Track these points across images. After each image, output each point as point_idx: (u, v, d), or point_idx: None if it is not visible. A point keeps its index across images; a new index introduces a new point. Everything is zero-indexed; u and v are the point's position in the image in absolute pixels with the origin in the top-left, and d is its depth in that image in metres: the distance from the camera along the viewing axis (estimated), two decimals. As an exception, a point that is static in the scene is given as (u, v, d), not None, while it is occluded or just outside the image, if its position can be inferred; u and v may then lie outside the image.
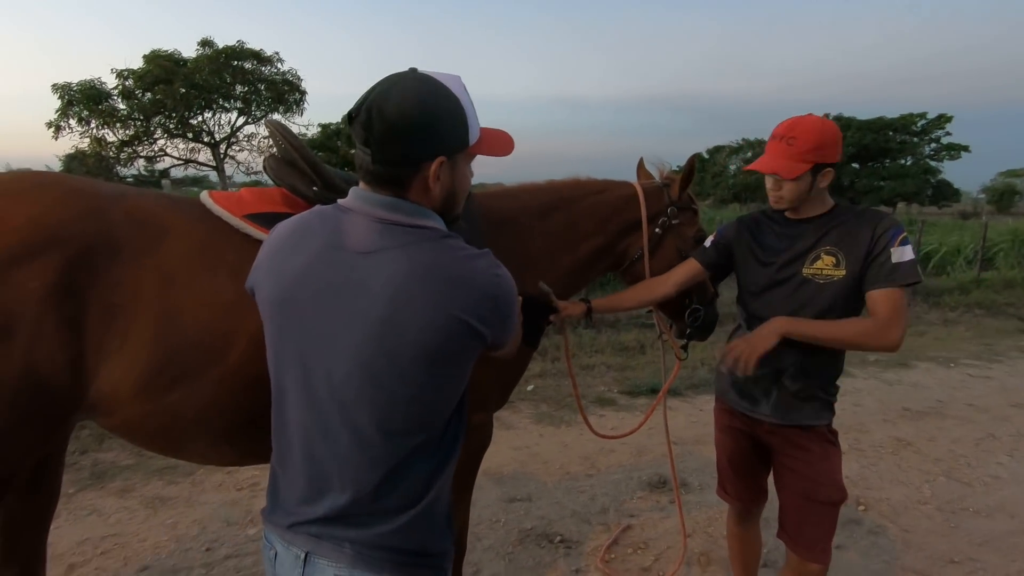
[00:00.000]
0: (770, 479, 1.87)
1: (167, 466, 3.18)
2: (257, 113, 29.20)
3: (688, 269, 1.87)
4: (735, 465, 1.91)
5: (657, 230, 1.95)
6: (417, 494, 0.92)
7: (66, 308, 1.11)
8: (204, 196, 1.42)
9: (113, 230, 1.19)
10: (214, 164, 30.16)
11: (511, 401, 4.35)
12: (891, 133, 38.86)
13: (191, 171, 31.82)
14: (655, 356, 5.19)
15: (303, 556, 0.91)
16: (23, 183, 1.18)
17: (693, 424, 4.03)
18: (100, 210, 1.19)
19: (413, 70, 0.90)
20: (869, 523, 2.81)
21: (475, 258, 0.90)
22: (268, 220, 1.34)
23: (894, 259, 1.51)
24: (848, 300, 1.58)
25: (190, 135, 28.74)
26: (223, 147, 29.99)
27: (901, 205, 39.38)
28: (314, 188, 1.41)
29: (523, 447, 3.60)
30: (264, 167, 1.52)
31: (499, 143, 0.98)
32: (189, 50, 27.61)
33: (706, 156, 42.17)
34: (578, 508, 2.90)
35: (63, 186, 1.19)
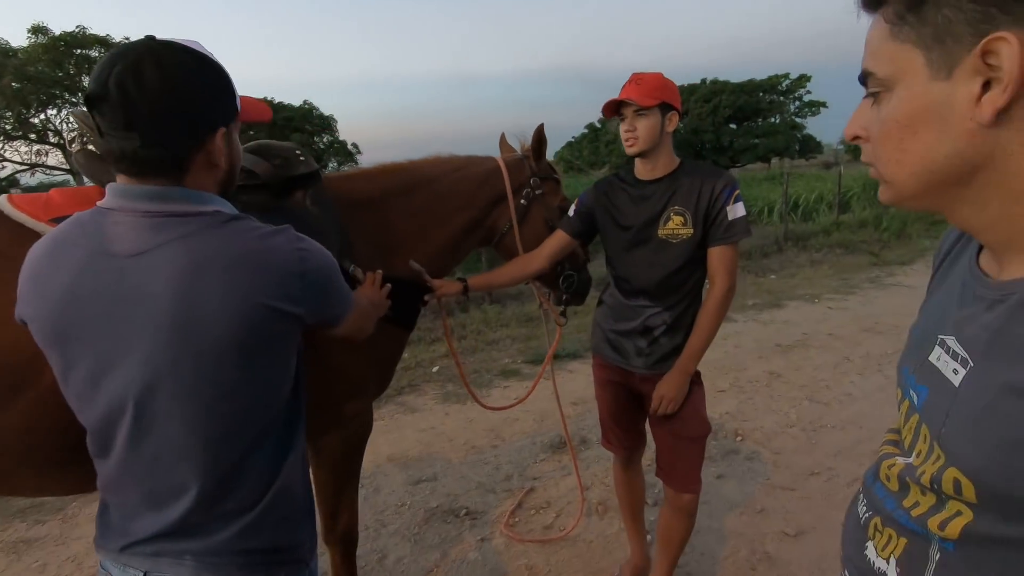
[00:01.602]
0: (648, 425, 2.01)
1: (31, 505, 2.87)
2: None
3: (557, 241, 1.93)
4: (615, 415, 2.02)
5: (523, 201, 1.98)
6: (258, 492, 0.89)
7: None
8: (2, 200, 1.26)
9: None
10: (68, 167, 26.98)
11: (416, 384, 4.33)
12: (761, 94, 42.11)
13: (42, 176, 28.24)
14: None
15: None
16: None
17: (592, 384, 4.20)
18: None
19: (151, 38, 0.81)
20: (746, 451, 3.09)
21: (270, 236, 0.84)
22: None
23: (730, 216, 1.66)
24: (696, 254, 1.73)
25: (32, 136, 25.41)
26: (75, 146, 26.87)
27: (775, 160, 42.94)
28: None
29: (428, 428, 3.60)
30: (73, 164, 1.38)
31: (257, 108, 0.96)
32: (18, 39, 24.22)
33: (599, 125, 43.57)
34: (483, 480, 2.96)
35: None
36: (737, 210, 1.66)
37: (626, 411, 2.00)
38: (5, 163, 25.66)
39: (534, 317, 6.10)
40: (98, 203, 0.84)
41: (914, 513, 0.59)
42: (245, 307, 0.79)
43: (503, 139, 2.17)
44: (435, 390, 4.22)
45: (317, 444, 1.67)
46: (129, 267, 0.78)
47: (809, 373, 4.15)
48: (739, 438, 3.24)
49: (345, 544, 1.78)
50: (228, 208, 0.87)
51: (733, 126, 42.05)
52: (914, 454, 0.62)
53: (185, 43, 0.82)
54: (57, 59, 24.07)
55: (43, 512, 2.82)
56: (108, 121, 0.77)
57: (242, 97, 0.91)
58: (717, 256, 1.69)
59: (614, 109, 1.70)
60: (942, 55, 0.49)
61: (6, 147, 25.36)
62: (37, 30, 24.51)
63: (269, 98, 32.18)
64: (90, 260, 0.79)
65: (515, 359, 4.84)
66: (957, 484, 0.53)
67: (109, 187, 0.83)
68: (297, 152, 1.60)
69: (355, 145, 35.56)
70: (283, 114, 32.11)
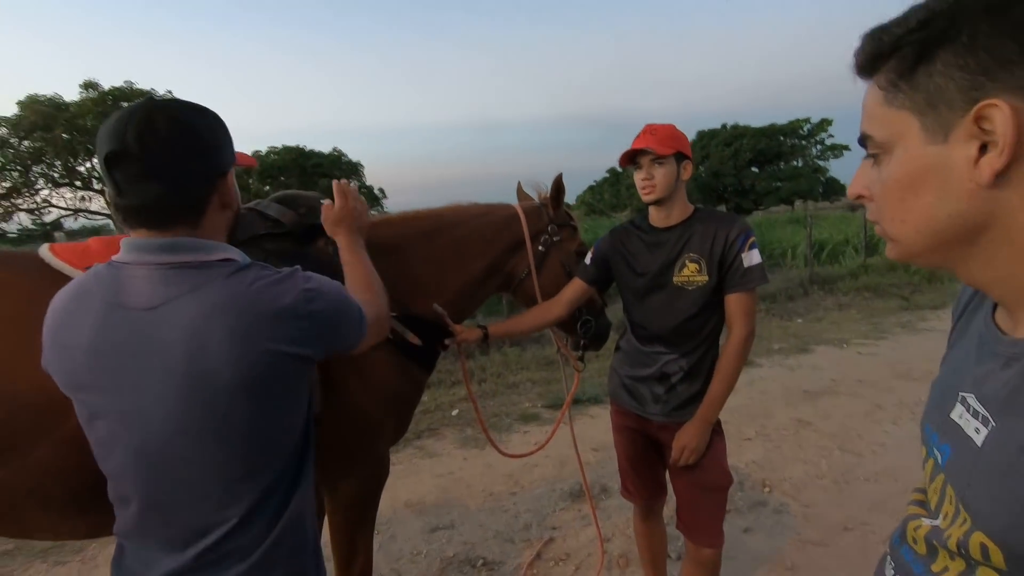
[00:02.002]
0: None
1: (53, 547, 2.89)
2: (155, 156, 27.67)
3: (575, 288, 1.96)
4: (633, 464, 1.98)
5: (540, 248, 2.01)
6: (271, 526, 0.90)
7: None
8: (43, 249, 1.33)
9: None
10: (108, 212, 28.21)
11: (435, 428, 4.30)
12: (782, 138, 42.29)
13: (84, 222, 29.54)
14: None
15: None
16: None
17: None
18: None
19: (151, 97, 0.89)
20: (774, 503, 2.97)
21: (276, 283, 0.86)
22: None
23: (745, 264, 1.66)
24: (713, 300, 1.73)
25: (78, 183, 26.77)
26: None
27: (798, 203, 42.72)
28: None
29: (446, 473, 3.55)
30: (113, 214, 1.46)
31: (244, 157, 1.06)
32: (71, 93, 25.83)
33: (620, 169, 43.96)
34: (501, 528, 2.89)
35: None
36: (752, 257, 1.67)
37: (644, 459, 1.96)
38: (52, 208, 26.97)
39: (554, 360, 6.05)
40: (112, 258, 0.88)
41: None
42: (253, 354, 0.81)
43: (520, 187, 2.23)
44: (454, 434, 4.18)
45: (333, 487, 1.67)
46: (144, 320, 0.81)
47: (839, 421, 4.01)
48: (767, 489, 3.12)
49: (358, 592, 1.74)
50: (238, 255, 0.90)
51: (755, 169, 42.13)
52: (940, 516, 0.60)
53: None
54: (105, 111, 25.53)
55: (63, 553, 2.84)
56: (129, 175, 0.82)
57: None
58: (734, 303, 1.69)
59: (630, 158, 1.73)
60: (936, 120, 0.51)
61: (53, 193, 26.74)
62: (88, 85, 26.15)
63: (301, 145, 33.50)
64: (107, 313, 0.83)
65: (535, 403, 4.79)
66: (984, 549, 0.51)
67: (123, 242, 0.87)
68: (322, 201, 1.66)
69: (381, 190, 36.53)
70: (313, 160, 33.30)
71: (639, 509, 2.07)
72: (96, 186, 27.48)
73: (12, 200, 25.49)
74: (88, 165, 26.78)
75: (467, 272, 1.93)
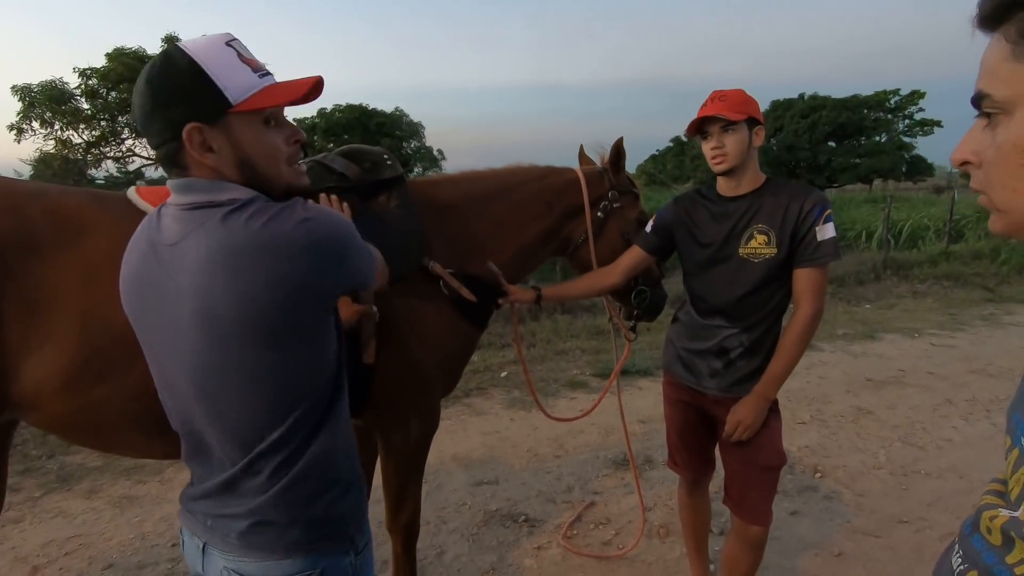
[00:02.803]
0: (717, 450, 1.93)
1: (135, 466, 3.17)
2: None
3: (633, 256, 1.92)
4: (683, 437, 1.97)
5: (599, 214, 1.98)
6: (296, 459, 0.90)
7: None
8: (131, 192, 1.42)
9: (30, 227, 1.19)
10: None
11: (483, 388, 4.39)
12: (866, 111, 39.33)
13: (153, 171, 31.24)
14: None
15: (202, 547, 0.93)
16: None
17: (661, 403, 4.10)
18: (15, 208, 1.19)
19: (172, 43, 0.89)
20: (825, 489, 2.89)
21: (274, 217, 0.82)
22: None
23: (819, 237, 1.59)
24: (780, 274, 1.66)
25: (151, 132, 28.23)
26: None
27: (877, 181, 39.98)
28: None
29: (493, 432, 3.65)
30: None
31: (286, 90, 0.87)
32: (154, 47, 26.90)
33: (685, 139, 42.47)
34: (544, 488, 2.95)
35: None
36: (827, 231, 1.58)
37: (695, 433, 1.94)
38: (135, 157, 28.60)
39: (605, 330, 6.01)
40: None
41: (1018, 572, 0.54)
42: (258, 291, 0.80)
43: (582, 151, 2.18)
44: (502, 395, 4.27)
45: (386, 437, 1.74)
46: (167, 256, 0.85)
47: (903, 413, 3.82)
48: (818, 475, 3.04)
49: (407, 535, 1.84)
50: (246, 194, 0.86)
51: (832, 144, 39.55)
52: (1022, 507, 0.57)
53: (200, 40, 0.85)
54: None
55: (144, 473, 3.11)
56: (137, 124, 0.89)
57: (282, 83, 0.89)
58: (804, 278, 1.61)
59: (698, 127, 1.66)
60: None
61: (136, 143, 28.28)
62: (169, 40, 27.22)
63: (364, 104, 33.88)
64: (147, 251, 0.88)
65: (583, 371, 4.81)
66: None
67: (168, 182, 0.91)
68: (385, 157, 1.69)
69: (440, 151, 36.68)
70: (376, 119, 33.70)
71: (685, 482, 2.06)
72: (175, 137, 28.85)
73: (101, 148, 27.15)
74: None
75: (524, 234, 1.93)
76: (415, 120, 35.44)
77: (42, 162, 25.47)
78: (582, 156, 2.18)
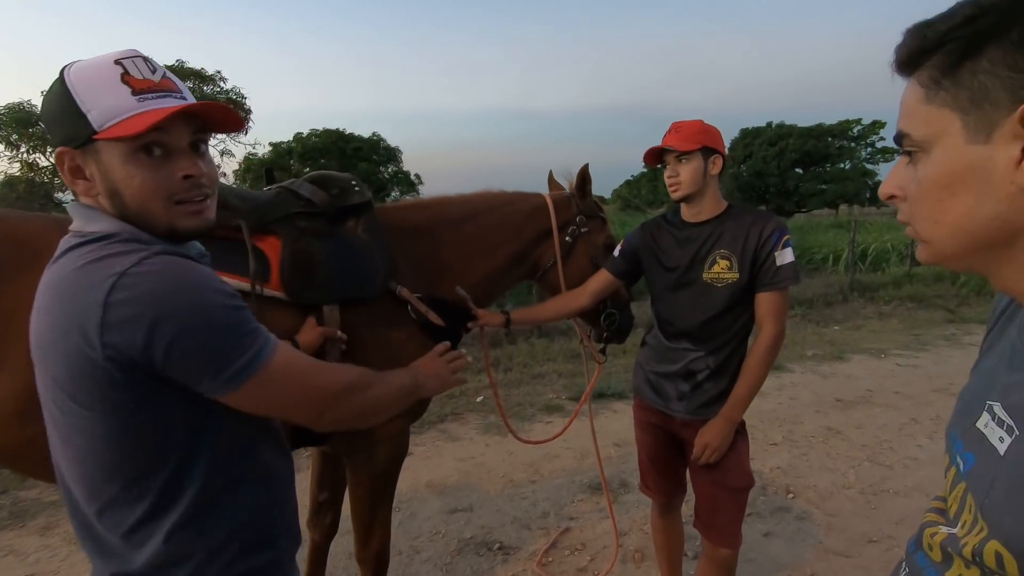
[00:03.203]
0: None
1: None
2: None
3: (601, 280, 1.96)
4: (654, 460, 1.98)
5: (568, 238, 2.02)
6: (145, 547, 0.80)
7: None
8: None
9: None
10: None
11: (458, 413, 4.36)
12: (830, 139, 40.87)
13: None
14: (606, 363, 5.27)
15: None
16: None
17: (637, 425, 4.12)
18: None
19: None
20: (797, 509, 2.92)
21: (99, 260, 0.74)
22: None
23: (778, 262, 1.64)
24: (743, 298, 1.71)
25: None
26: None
27: (843, 207, 41.29)
28: None
29: (468, 458, 3.61)
30: None
31: (154, 116, 0.76)
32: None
33: (660, 166, 43.31)
34: (519, 515, 2.92)
35: None
36: (786, 255, 1.64)
37: (665, 456, 1.95)
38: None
39: (580, 353, 6.05)
40: None
41: None
42: (65, 345, 0.73)
43: (551, 176, 2.24)
44: (477, 420, 4.23)
45: (354, 463, 1.72)
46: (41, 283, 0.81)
47: (872, 432, 3.89)
48: (790, 495, 3.07)
49: (377, 565, 1.80)
50: (112, 228, 0.79)
51: (799, 171, 40.86)
52: (959, 524, 0.60)
53: (85, 62, 0.79)
54: (157, 89, 26.31)
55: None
56: None
57: (157, 110, 0.78)
58: (765, 302, 1.66)
59: (656, 157, 1.73)
60: (979, 119, 0.50)
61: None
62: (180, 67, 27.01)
63: (341, 129, 33.92)
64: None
65: (559, 395, 4.80)
66: (999, 558, 0.50)
67: None
68: (353, 183, 1.71)
69: (417, 176, 36.81)
70: (353, 144, 33.75)
71: (657, 505, 2.07)
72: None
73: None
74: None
75: (493, 259, 1.95)
76: (392, 145, 35.61)
77: (7, 185, 24.82)
78: (551, 181, 2.23)
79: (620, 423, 4.13)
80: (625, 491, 3.16)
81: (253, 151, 30.44)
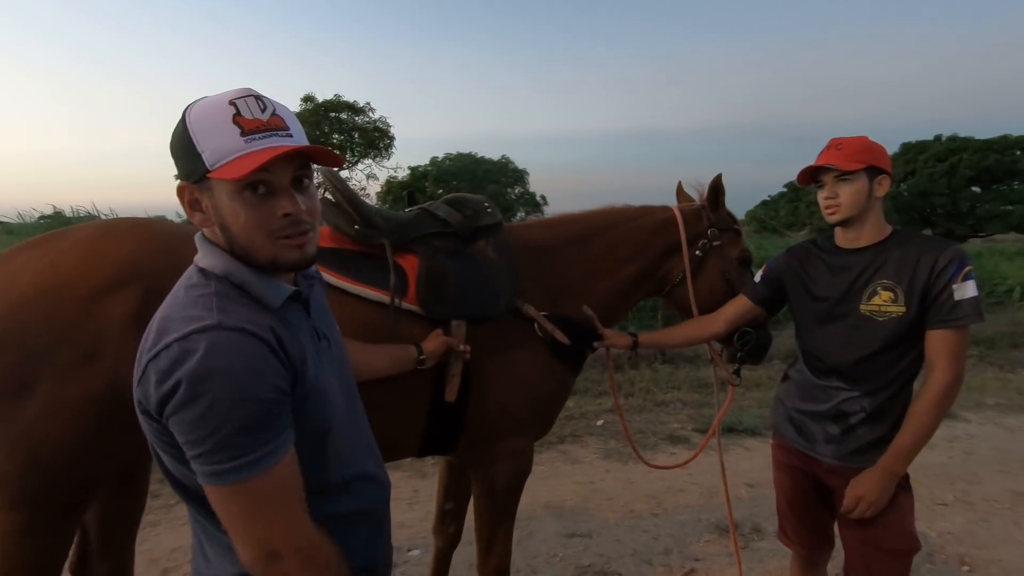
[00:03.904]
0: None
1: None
2: (351, 159, 31.34)
3: (739, 306, 1.86)
4: (794, 507, 1.81)
5: (698, 252, 1.94)
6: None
7: (143, 331, 1.30)
8: None
9: (184, 265, 1.38)
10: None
11: (578, 435, 4.31)
12: (1019, 152, 35.02)
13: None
14: (738, 395, 4.91)
15: None
16: (118, 227, 1.40)
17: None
18: (174, 249, 1.38)
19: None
20: (974, 586, 2.49)
21: (178, 318, 0.80)
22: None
23: (957, 296, 1.43)
24: (908, 337, 1.51)
25: (286, 183, 31.39)
26: (321, 191, 32.39)
27: (1036, 231, 35.04)
28: (355, 226, 1.57)
29: (587, 482, 3.55)
30: None
31: (252, 160, 0.80)
32: (293, 104, 30.24)
33: (816, 185, 39.94)
34: (639, 548, 2.80)
35: (147, 229, 1.40)
36: (967, 289, 1.43)
37: (808, 504, 1.77)
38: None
39: (708, 383, 5.71)
40: None
41: None
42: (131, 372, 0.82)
43: (680, 188, 2.16)
44: (597, 444, 4.16)
45: (478, 476, 1.77)
46: None
47: (1077, 503, 3.22)
48: (966, 568, 2.63)
49: (496, 579, 1.82)
50: (216, 266, 0.86)
51: (976, 189, 35.47)
52: None
53: (205, 100, 0.85)
54: (317, 121, 29.70)
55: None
56: None
57: (258, 152, 0.82)
58: (939, 340, 1.46)
59: (810, 177, 1.59)
60: None
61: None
62: (307, 99, 30.65)
63: (473, 152, 35.65)
64: None
65: (684, 425, 4.57)
66: None
67: None
68: (485, 204, 1.79)
69: (543, 197, 37.47)
70: (483, 167, 35.29)
71: (798, 558, 1.87)
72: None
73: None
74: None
75: (618, 276, 1.92)
76: (520, 167, 36.67)
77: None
78: (680, 193, 2.16)
79: (752, 462, 3.83)
80: (758, 537, 2.90)
81: (394, 175, 33.06)
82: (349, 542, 0.94)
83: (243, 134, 0.81)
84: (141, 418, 0.80)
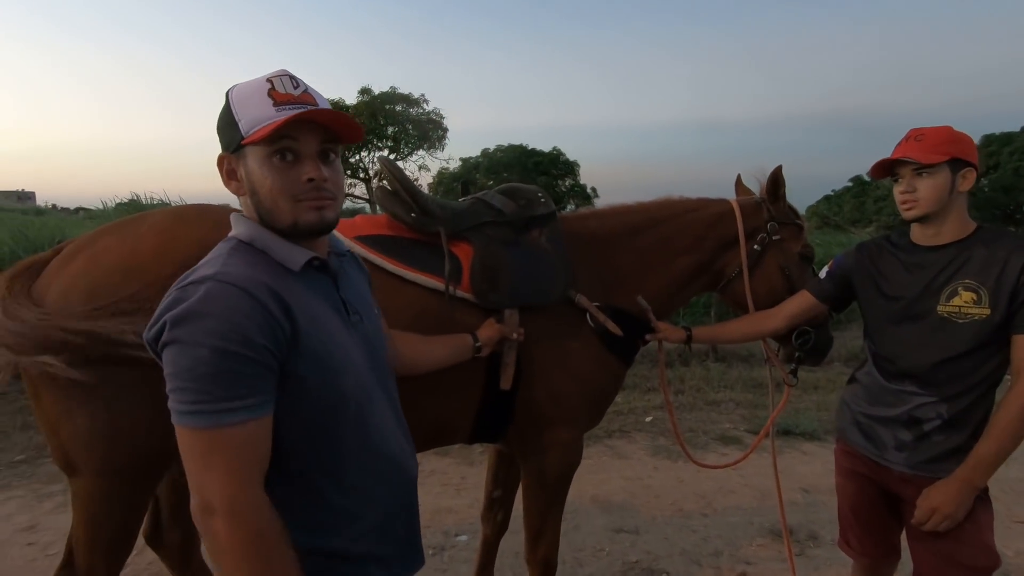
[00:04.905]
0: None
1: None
2: (405, 150, 31.89)
3: (801, 302, 1.78)
4: (859, 515, 1.73)
5: (756, 246, 1.87)
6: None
7: None
8: None
9: None
10: (368, 197, 33.52)
11: (626, 431, 4.27)
12: (1116, 145, 32.00)
13: (348, 204, 35.51)
14: (794, 397, 4.72)
15: None
16: (189, 212, 1.48)
17: (830, 472, 3.62)
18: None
19: None
20: (1055, 610, 2.32)
21: (201, 264, 0.90)
22: (374, 241, 1.55)
23: None
24: (994, 339, 1.42)
25: (348, 172, 32.24)
26: (375, 182, 33.19)
27: None
28: (412, 214, 1.59)
29: (635, 478, 3.51)
30: (374, 197, 1.76)
31: (273, 124, 0.88)
32: (351, 97, 30.97)
33: (867, 178, 37.94)
34: (688, 547, 2.75)
35: (216, 214, 1.47)
36: None
37: (874, 511, 1.69)
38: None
39: (762, 383, 5.52)
40: None
41: None
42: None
43: (739, 180, 2.09)
44: (645, 440, 4.10)
45: (528, 465, 1.77)
46: None
47: None
48: (1046, 590, 2.45)
49: (544, 568, 1.83)
50: (242, 233, 0.94)
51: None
52: None
53: (249, 81, 0.93)
54: (373, 112, 30.35)
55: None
56: None
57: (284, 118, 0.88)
58: None
59: (886, 170, 1.50)
60: None
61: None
62: (364, 91, 31.39)
63: (524, 144, 35.60)
64: None
65: (737, 425, 4.45)
66: None
67: None
68: (539, 195, 1.78)
69: (594, 189, 37.05)
70: (534, 159, 35.19)
71: (860, 568, 1.79)
72: (360, 175, 32.90)
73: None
74: (356, 158, 32.14)
75: (672, 269, 1.89)
76: (571, 159, 36.36)
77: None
78: (739, 186, 2.08)
79: (809, 467, 3.69)
80: (815, 544, 2.80)
81: (446, 166, 33.44)
82: (356, 525, 0.95)
83: (275, 104, 0.89)
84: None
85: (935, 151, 1.41)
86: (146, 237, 1.40)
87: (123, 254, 1.37)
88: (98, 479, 1.36)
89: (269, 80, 0.91)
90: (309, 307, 0.90)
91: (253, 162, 0.91)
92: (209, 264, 0.88)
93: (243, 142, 0.89)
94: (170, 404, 0.81)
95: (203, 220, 1.45)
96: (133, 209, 9.59)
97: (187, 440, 0.81)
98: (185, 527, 1.82)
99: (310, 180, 0.90)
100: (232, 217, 0.98)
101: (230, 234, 0.96)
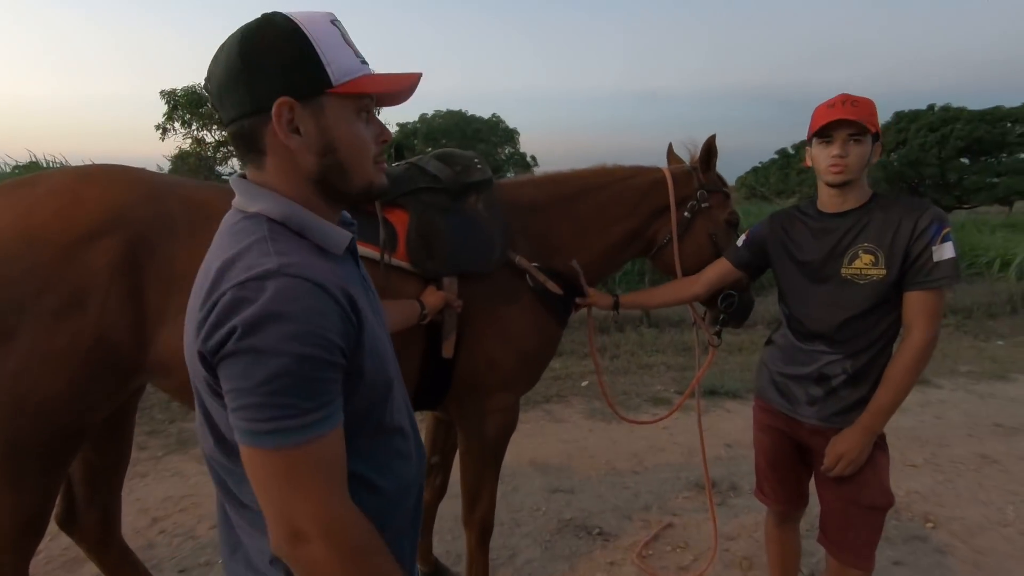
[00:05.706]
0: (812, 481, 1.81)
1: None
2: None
3: (719, 269, 1.86)
4: (774, 466, 1.86)
5: (686, 214, 1.93)
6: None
7: (129, 280, 1.27)
8: None
9: (168, 213, 1.34)
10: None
11: (563, 395, 4.39)
12: (1009, 124, 35.06)
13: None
14: (719, 358, 4.99)
15: None
16: (97, 174, 1.35)
17: (750, 427, 3.88)
18: (157, 196, 1.34)
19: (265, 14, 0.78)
20: (936, 541, 2.61)
21: (242, 252, 0.71)
22: None
23: (935, 257, 1.45)
24: (889, 298, 1.53)
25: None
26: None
27: (1019, 203, 35.46)
28: None
29: (571, 440, 3.62)
30: None
31: (390, 81, 0.79)
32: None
33: (791, 151, 40.02)
34: (620, 503, 2.89)
35: (127, 176, 1.36)
36: (945, 250, 1.44)
37: (787, 463, 1.82)
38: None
39: (692, 347, 5.79)
40: None
41: None
42: (194, 331, 0.71)
43: (670, 149, 2.14)
44: (581, 404, 4.23)
45: (465, 430, 1.79)
46: None
47: (1039, 466, 3.36)
48: (929, 524, 2.75)
49: (481, 530, 1.87)
50: (275, 211, 0.76)
51: (965, 160, 35.59)
52: None
53: (303, 14, 0.75)
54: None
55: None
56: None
57: (386, 75, 0.80)
58: (916, 302, 1.48)
59: (823, 129, 1.53)
60: None
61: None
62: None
63: (463, 110, 34.95)
64: None
65: (668, 387, 4.66)
66: None
67: None
68: (475, 161, 1.75)
69: (533, 157, 37.04)
70: (473, 125, 34.66)
71: (774, 514, 1.94)
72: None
73: (228, 147, 29.97)
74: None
75: (608, 235, 1.92)
76: (511, 126, 36.05)
77: (180, 159, 28.46)
78: (671, 155, 2.14)
79: (732, 424, 3.93)
80: (735, 494, 3.00)
81: (382, 131, 32.32)
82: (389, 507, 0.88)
83: (356, 55, 0.78)
84: (198, 371, 0.72)
85: (870, 121, 1.48)
86: (45, 200, 1.27)
87: (18, 219, 1.24)
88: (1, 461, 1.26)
89: (334, 24, 0.77)
90: (359, 295, 0.78)
91: (337, 116, 0.76)
92: (251, 252, 0.71)
93: (332, 90, 0.75)
94: (235, 423, 0.68)
95: (113, 181, 1.34)
96: (31, 173, 8.72)
97: (263, 462, 0.68)
98: (103, 508, 1.72)
99: (383, 142, 0.83)
100: (239, 185, 0.79)
101: (247, 208, 0.77)
